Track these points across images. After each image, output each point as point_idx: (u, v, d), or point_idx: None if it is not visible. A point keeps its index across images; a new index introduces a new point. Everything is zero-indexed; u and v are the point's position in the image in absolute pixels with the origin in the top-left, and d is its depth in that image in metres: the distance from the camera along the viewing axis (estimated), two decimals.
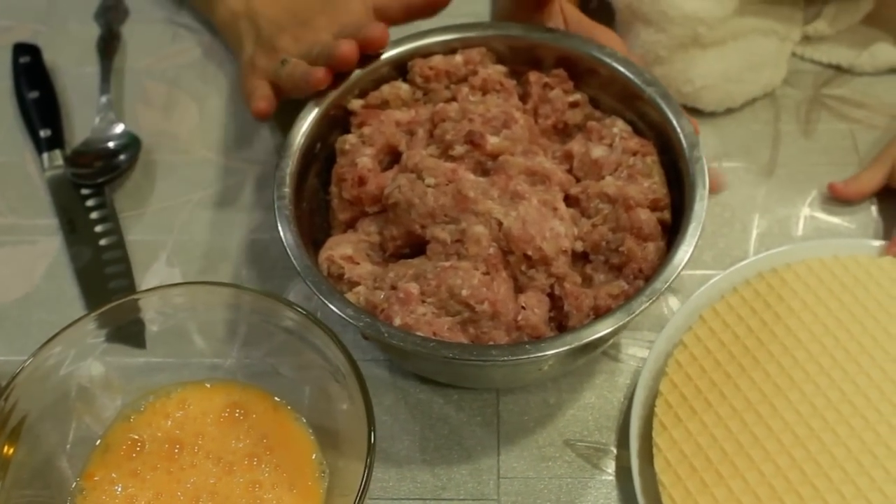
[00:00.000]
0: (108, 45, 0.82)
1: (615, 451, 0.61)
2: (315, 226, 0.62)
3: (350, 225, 0.63)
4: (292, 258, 0.57)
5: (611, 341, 0.64)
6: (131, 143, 0.75)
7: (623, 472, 0.60)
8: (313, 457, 0.58)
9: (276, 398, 0.60)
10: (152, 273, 0.69)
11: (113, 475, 0.56)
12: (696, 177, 0.59)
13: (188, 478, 0.56)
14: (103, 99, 0.78)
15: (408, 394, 0.64)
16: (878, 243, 0.66)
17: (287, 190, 0.60)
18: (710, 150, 0.75)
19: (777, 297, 0.63)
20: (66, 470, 0.56)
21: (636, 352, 0.65)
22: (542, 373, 0.61)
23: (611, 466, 0.61)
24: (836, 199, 0.70)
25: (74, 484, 0.56)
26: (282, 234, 0.58)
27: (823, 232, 0.70)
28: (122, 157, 0.74)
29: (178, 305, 0.60)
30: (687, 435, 0.58)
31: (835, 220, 0.71)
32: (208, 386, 0.60)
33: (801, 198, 0.72)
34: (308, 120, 0.62)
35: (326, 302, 0.55)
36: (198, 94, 0.80)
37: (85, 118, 0.78)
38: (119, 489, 0.56)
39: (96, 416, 0.58)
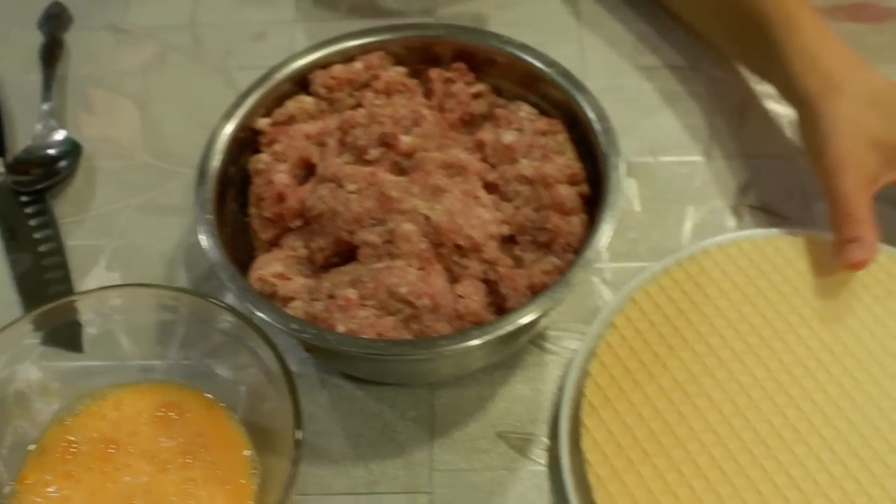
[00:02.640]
0: (51, 53, 0.81)
1: (547, 441, 0.61)
2: (238, 249, 0.61)
3: (273, 243, 0.62)
4: (226, 281, 0.56)
5: (546, 324, 0.64)
6: (72, 150, 0.75)
7: (555, 462, 0.59)
8: (246, 454, 0.58)
9: (211, 398, 0.60)
10: (91, 278, 0.69)
11: (47, 477, 0.56)
12: (608, 147, 0.59)
13: (122, 477, 0.56)
14: (45, 106, 0.77)
15: (342, 392, 0.63)
16: (805, 232, 0.67)
17: (211, 217, 0.59)
18: (646, 145, 0.75)
19: (695, 285, 0.63)
20: (0, 474, 0.56)
21: (569, 343, 0.65)
22: (485, 358, 0.61)
23: (542, 456, 0.61)
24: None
25: (8, 488, 0.56)
26: (212, 258, 0.57)
27: (758, 222, 0.70)
28: (62, 163, 0.74)
29: (116, 307, 0.60)
30: (614, 415, 0.58)
31: (768, 211, 0.71)
32: (144, 387, 0.60)
33: (736, 189, 0.72)
34: (218, 144, 0.61)
35: (267, 318, 0.55)
36: (140, 100, 0.79)
37: (27, 126, 0.77)
38: (53, 491, 0.56)
39: (32, 420, 0.58)
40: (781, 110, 0.76)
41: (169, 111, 0.79)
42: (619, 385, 0.60)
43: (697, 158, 0.75)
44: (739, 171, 0.74)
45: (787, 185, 0.72)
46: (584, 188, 0.61)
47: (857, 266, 0.62)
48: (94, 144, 0.77)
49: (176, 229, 0.72)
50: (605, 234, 0.56)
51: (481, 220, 0.58)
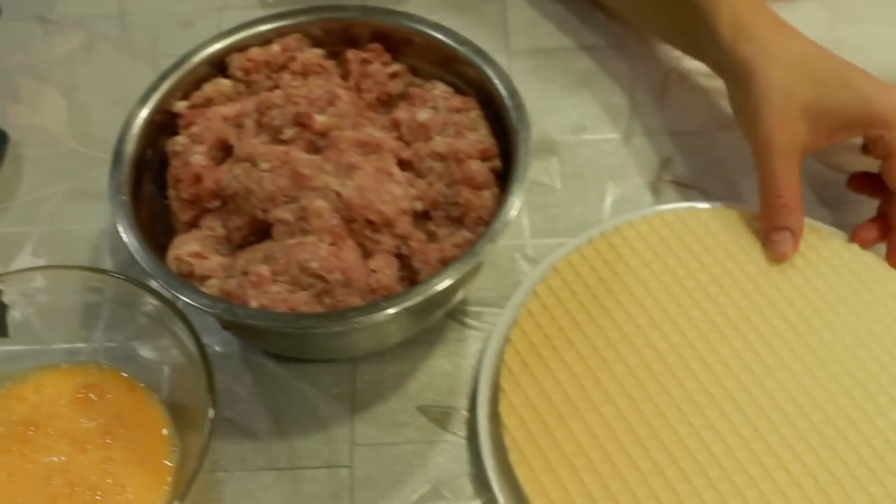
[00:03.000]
0: None
1: (466, 413, 0.62)
2: (158, 231, 0.61)
3: (193, 224, 0.62)
4: (139, 260, 0.57)
5: (461, 296, 0.64)
6: None
7: (473, 433, 0.60)
8: (165, 433, 0.59)
9: (133, 379, 0.60)
10: (17, 264, 0.69)
11: None
12: (518, 122, 0.60)
13: (41, 458, 0.57)
14: None
15: (266, 371, 0.64)
16: (726, 204, 0.68)
17: (125, 198, 0.59)
18: (568, 124, 0.76)
19: (616, 255, 0.64)
20: None
21: (489, 319, 0.66)
22: (399, 332, 0.62)
23: (462, 429, 0.62)
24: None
25: None
26: (125, 239, 0.57)
27: (678, 198, 0.71)
28: None
29: (41, 289, 0.60)
30: (532, 380, 0.59)
31: (688, 186, 0.72)
32: (66, 369, 0.61)
33: (656, 165, 0.74)
34: (134, 127, 0.62)
35: (179, 295, 0.55)
36: (67, 89, 0.79)
37: None
38: None
39: None
40: (703, 86, 0.78)
41: (96, 99, 0.79)
42: (538, 351, 0.61)
43: (619, 136, 0.76)
44: (660, 148, 0.75)
45: (707, 161, 0.74)
46: (497, 163, 0.62)
47: (783, 258, 0.63)
48: (21, 133, 0.77)
49: (102, 215, 0.72)
50: (514, 206, 0.57)
51: (393, 195, 0.58)
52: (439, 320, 0.66)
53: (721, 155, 0.74)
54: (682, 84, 0.79)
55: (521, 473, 0.56)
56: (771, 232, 0.64)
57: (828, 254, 0.64)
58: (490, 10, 0.84)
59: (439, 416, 0.63)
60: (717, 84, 0.77)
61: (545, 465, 0.56)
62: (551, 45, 0.81)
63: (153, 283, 0.58)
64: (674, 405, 0.58)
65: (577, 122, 0.77)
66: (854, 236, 0.65)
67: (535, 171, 0.74)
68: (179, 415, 0.60)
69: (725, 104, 0.75)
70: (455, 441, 0.62)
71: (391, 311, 0.54)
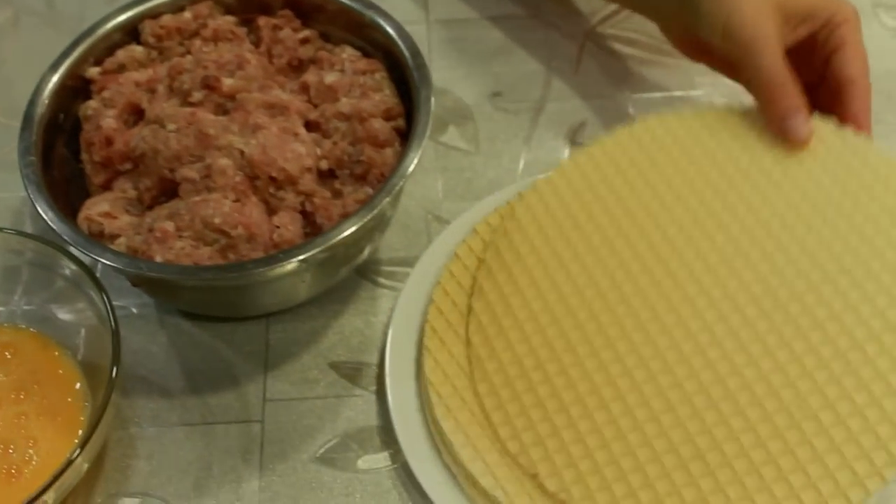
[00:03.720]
0: None
1: (376, 368, 0.64)
2: (72, 194, 0.63)
3: (106, 187, 0.63)
4: (47, 220, 0.58)
5: (369, 253, 0.66)
6: None
7: (382, 388, 0.62)
8: (78, 388, 0.60)
9: (49, 339, 0.62)
10: None
11: None
12: (420, 81, 0.62)
13: None
14: None
15: (181, 331, 0.66)
16: None
17: (33, 158, 0.60)
18: (485, 90, 0.78)
19: (535, 211, 0.64)
20: None
21: (400, 278, 0.67)
22: (307, 287, 0.63)
23: (372, 384, 0.64)
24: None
25: None
26: (32, 198, 0.59)
27: None
28: None
29: None
30: (455, 337, 0.61)
31: None
32: None
33: (568, 129, 0.76)
34: (46, 91, 0.63)
35: (85, 251, 0.57)
36: None
37: None
38: None
39: None
40: (618, 53, 0.80)
41: (21, 73, 0.80)
42: (460, 311, 0.62)
43: (533, 102, 0.78)
44: (574, 112, 0.77)
45: (619, 123, 0.75)
46: (401, 123, 0.64)
47: (806, 141, 0.61)
48: None
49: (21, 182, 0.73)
50: (412, 161, 0.59)
51: (296, 153, 0.60)
52: (351, 279, 0.68)
53: (630, 117, 0.76)
54: (597, 52, 0.81)
55: (447, 426, 0.58)
56: (786, 119, 0.61)
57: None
58: None
59: (350, 372, 0.64)
60: (631, 51, 0.79)
61: (469, 416, 0.58)
62: (470, 15, 0.83)
63: (69, 247, 0.59)
64: (586, 340, 0.58)
65: (493, 89, 0.79)
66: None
67: (450, 136, 0.76)
68: (93, 374, 0.61)
69: (639, 69, 0.79)
70: (364, 395, 0.64)
71: (289, 262, 0.56)
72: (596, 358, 0.57)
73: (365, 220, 0.57)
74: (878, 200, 0.59)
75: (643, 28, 0.81)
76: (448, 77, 0.79)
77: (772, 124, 0.62)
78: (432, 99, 0.62)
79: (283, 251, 0.56)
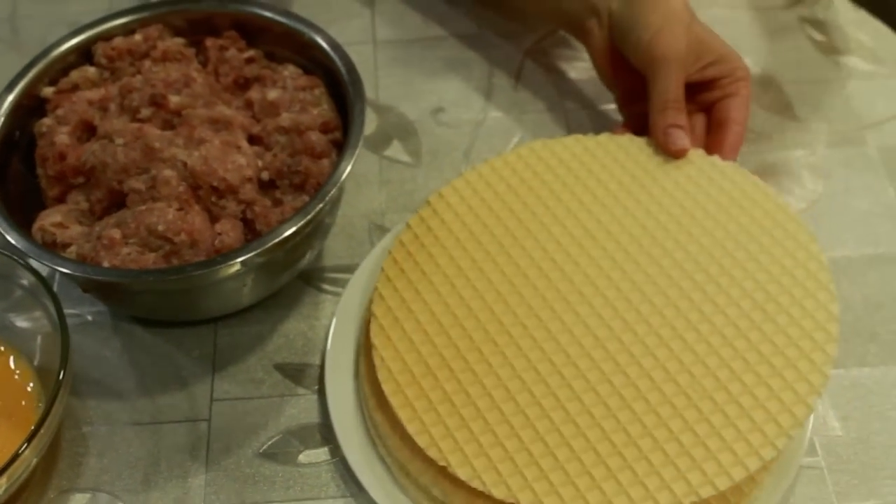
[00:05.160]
0: None
1: (318, 369, 0.67)
2: (27, 208, 0.66)
3: (60, 200, 0.67)
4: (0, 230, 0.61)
5: (309, 259, 0.70)
6: None
7: (323, 387, 0.65)
8: (31, 389, 0.64)
9: (5, 345, 0.65)
10: None
11: None
12: (354, 96, 0.66)
13: None
14: None
15: (133, 336, 0.69)
16: None
17: None
18: (428, 106, 0.83)
19: (469, 203, 0.69)
20: None
21: (342, 284, 0.71)
22: (249, 291, 0.66)
23: (314, 384, 0.67)
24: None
25: None
26: None
27: None
28: None
29: None
30: (402, 333, 0.63)
31: None
32: None
33: (508, 140, 0.80)
34: (1, 110, 0.67)
35: (37, 259, 0.60)
36: None
37: None
38: None
39: None
40: (557, 68, 0.85)
41: None
42: (401, 295, 0.65)
43: (474, 116, 0.82)
44: (513, 125, 0.81)
45: (554, 135, 0.80)
46: (338, 135, 0.68)
47: (683, 153, 0.70)
48: None
49: None
50: (344, 169, 0.63)
51: (237, 164, 0.64)
52: (296, 286, 0.71)
53: (567, 131, 0.81)
54: (536, 69, 0.85)
55: (394, 401, 0.61)
56: (670, 130, 0.70)
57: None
58: (357, 4, 0.90)
59: (293, 373, 0.68)
60: (568, 68, 0.84)
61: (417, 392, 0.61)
62: (415, 35, 0.88)
63: (25, 257, 0.62)
64: (518, 322, 0.63)
65: (436, 105, 0.83)
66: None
67: (394, 150, 0.80)
68: (48, 378, 0.64)
69: (575, 86, 0.83)
70: (307, 395, 0.67)
71: (229, 264, 0.59)
72: (500, 355, 0.61)
73: (300, 224, 0.61)
74: (744, 214, 0.67)
75: (580, 46, 0.85)
76: (393, 95, 0.83)
77: (656, 132, 0.71)
78: (365, 112, 0.66)
79: (223, 254, 0.60)
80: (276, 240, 0.60)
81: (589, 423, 0.58)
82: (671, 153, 0.70)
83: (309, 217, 0.61)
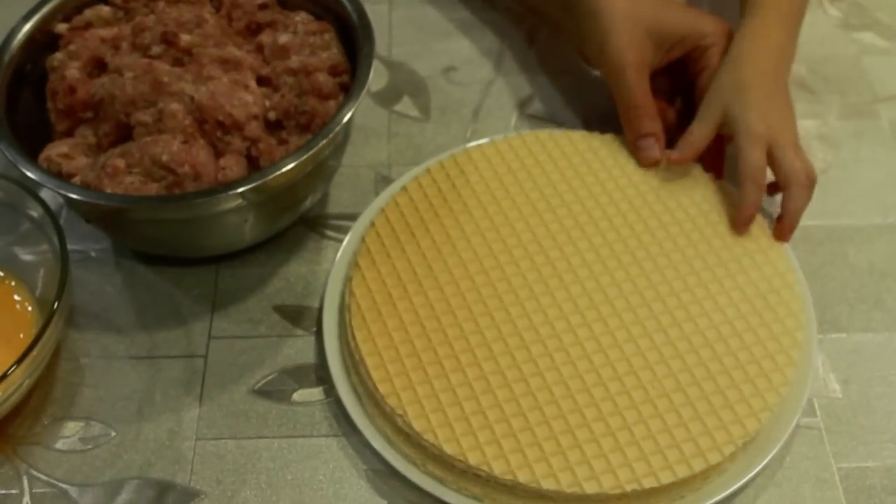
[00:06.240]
0: None
1: (317, 312, 0.67)
2: (36, 141, 0.66)
3: (68, 134, 0.67)
4: (3, 151, 0.62)
5: (311, 203, 0.70)
6: None
7: (321, 328, 0.65)
8: (32, 319, 0.64)
9: (9, 276, 0.66)
10: None
11: None
12: (363, 39, 0.66)
13: None
14: None
15: (134, 273, 0.70)
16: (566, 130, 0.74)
17: None
18: (439, 65, 0.83)
19: (461, 173, 0.70)
20: None
21: (345, 231, 0.70)
22: (251, 228, 0.66)
23: (312, 326, 0.67)
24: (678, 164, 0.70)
25: None
26: None
27: (537, 128, 0.77)
28: None
29: None
30: (376, 273, 0.65)
31: (546, 120, 0.79)
32: None
33: (517, 101, 0.80)
34: (15, 40, 0.67)
35: (40, 181, 0.60)
36: None
37: None
38: None
39: None
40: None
41: None
42: (386, 251, 0.66)
43: (485, 76, 0.82)
44: (523, 86, 0.81)
45: (566, 97, 0.80)
46: (346, 79, 0.68)
47: (655, 162, 0.70)
48: None
49: None
50: (350, 109, 0.63)
51: (244, 101, 0.64)
52: (299, 231, 0.72)
53: (577, 91, 0.81)
54: (549, 34, 0.85)
55: (363, 348, 0.61)
56: (637, 140, 0.70)
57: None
58: None
59: (292, 314, 0.68)
60: None
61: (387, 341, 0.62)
62: None
63: (31, 184, 0.63)
64: (495, 292, 0.64)
65: (448, 64, 0.83)
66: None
67: (403, 105, 0.80)
68: (48, 309, 0.65)
69: None
70: (304, 337, 0.67)
71: (229, 193, 0.59)
72: (473, 322, 0.63)
73: (302, 158, 0.60)
74: (729, 233, 0.68)
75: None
76: (406, 52, 0.84)
77: (630, 141, 0.71)
78: (374, 56, 0.66)
79: (225, 184, 0.60)
80: (278, 172, 0.60)
81: (547, 399, 0.59)
82: (644, 165, 0.70)
83: (312, 152, 0.61)
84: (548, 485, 0.56)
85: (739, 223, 0.67)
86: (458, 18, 0.86)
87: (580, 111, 0.79)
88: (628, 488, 0.56)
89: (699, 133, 0.69)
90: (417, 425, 0.58)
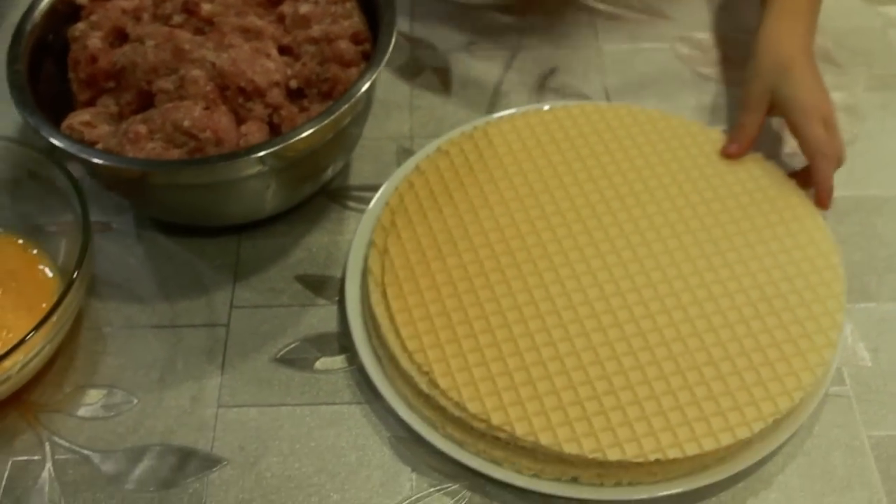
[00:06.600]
0: None
1: (339, 282, 0.67)
2: (57, 111, 0.65)
3: (90, 104, 0.67)
4: (25, 118, 0.61)
5: (332, 173, 0.70)
6: None
7: (343, 297, 0.65)
8: (53, 288, 0.64)
9: (30, 245, 0.66)
10: None
11: None
12: (384, 8, 0.66)
13: None
14: None
15: (156, 244, 0.70)
16: (592, 103, 0.73)
17: (20, 67, 0.64)
18: (462, 41, 0.82)
19: (488, 143, 0.70)
20: None
21: (367, 202, 0.70)
22: (272, 196, 0.65)
23: (335, 295, 0.67)
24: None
25: None
26: (15, 101, 0.62)
27: (558, 100, 0.77)
28: None
29: None
30: (397, 240, 0.64)
31: (569, 94, 0.78)
32: None
33: (539, 75, 0.79)
34: (37, 11, 0.67)
35: (63, 147, 0.60)
36: None
37: None
38: None
39: None
40: (590, 7, 0.84)
41: None
42: (409, 216, 0.66)
43: (507, 51, 0.81)
44: (545, 60, 0.80)
45: (587, 72, 0.79)
46: (368, 47, 0.67)
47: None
48: None
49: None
50: (373, 73, 0.62)
51: (265, 68, 0.64)
52: (321, 202, 0.71)
53: (600, 68, 0.80)
54: (569, 7, 0.84)
55: (395, 305, 0.61)
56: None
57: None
58: None
59: (314, 284, 0.67)
60: (603, 7, 0.83)
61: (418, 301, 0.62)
62: None
63: (58, 157, 0.63)
64: (514, 262, 0.64)
65: (469, 39, 0.82)
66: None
67: (425, 79, 0.80)
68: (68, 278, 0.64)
69: (608, 25, 0.82)
70: (327, 306, 0.67)
71: (250, 157, 0.59)
72: (506, 285, 0.62)
73: (323, 123, 0.60)
74: (773, 211, 0.67)
75: None
76: (427, 28, 0.83)
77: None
78: (396, 22, 0.65)
79: (246, 148, 0.60)
80: (299, 136, 0.59)
81: (575, 365, 0.58)
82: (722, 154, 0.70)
83: (334, 116, 0.60)
84: (570, 449, 0.55)
85: (821, 200, 0.67)
86: None
87: (600, 85, 0.79)
88: (651, 457, 0.55)
89: (751, 121, 0.69)
90: (443, 382, 0.57)
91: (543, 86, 0.78)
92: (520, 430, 0.55)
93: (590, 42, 0.82)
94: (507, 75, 0.79)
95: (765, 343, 0.59)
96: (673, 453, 0.55)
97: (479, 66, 0.80)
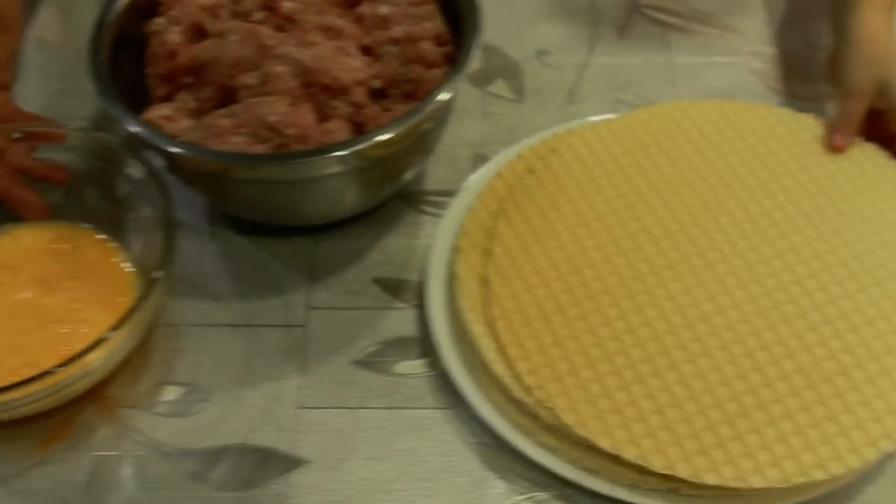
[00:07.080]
0: None
1: (417, 285, 0.66)
2: (135, 106, 0.64)
3: (168, 99, 0.66)
4: (107, 107, 0.61)
5: (411, 176, 0.69)
6: None
7: (423, 301, 0.64)
8: (131, 283, 0.63)
9: (107, 238, 0.65)
10: None
11: None
12: (465, 12, 0.65)
13: (11, 297, 0.61)
14: None
15: (231, 242, 0.69)
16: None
17: (103, 58, 0.64)
18: (533, 48, 0.81)
19: (572, 154, 0.68)
20: None
21: (442, 206, 0.70)
22: (352, 196, 0.65)
23: (413, 298, 0.66)
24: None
25: None
26: (97, 90, 0.62)
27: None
28: None
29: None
30: (525, 255, 0.62)
31: (640, 106, 0.77)
32: (46, 226, 0.65)
33: (612, 86, 0.78)
34: (118, 5, 0.66)
35: (144, 137, 0.59)
36: (63, 6, 0.86)
37: None
38: None
39: None
40: (661, 21, 0.84)
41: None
42: (520, 244, 0.64)
43: (579, 60, 0.80)
44: (619, 72, 0.80)
45: (659, 83, 0.79)
46: (450, 48, 0.66)
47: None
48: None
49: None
50: (458, 77, 0.61)
51: (350, 66, 0.63)
52: (396, 206, 0.70)
53: (672, 80, 0.79)
54: (640, 19, 0.84)
55: (506, 338, 0.59)
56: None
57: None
58: None
59: (392, 287, 0.66)
60: (674, 20, 0.82)
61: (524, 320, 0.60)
62: None
63: (137, 147, 0.62)
64: (614, 272, 0.62)
65: (540, 48, 0.82)
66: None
67: (497, 87, 0.79)
68: (147, 273, 0.63)
69: (680, 36, 0.82)
70: (405, 309, 0.65)
71: (333, 154, 0.58)
72: (617, 307, 0.59)
73: (409, 124, 0.59)
74: (891, 209, 0.64)
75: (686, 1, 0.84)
76: (498, 36, 0.82)
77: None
78: (481, 25, 0.64)
79: (330, 145, 0.59)
80: (384, 135, 0.58)
81: (703, 389, 0.56)
82: (830, 147, 0.68)
83: (419, 117, 0.59)
84: (711, 480, 0.52)
85: None
86: (549, 2, 0.85)
87: (672, 97, 0.77)
88: (796, 481, 0.52)
89: (856, 109, 0.68)
90: (568, 418, 0.55)
91: (616, 99, 0.77)
92: (657, 463, 0.53)
93: (662, 54, 0.81)
94: (580, 86, 0.78)
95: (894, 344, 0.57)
96: (818, 474, 0.52)
97: (551, 75, 0.79)
